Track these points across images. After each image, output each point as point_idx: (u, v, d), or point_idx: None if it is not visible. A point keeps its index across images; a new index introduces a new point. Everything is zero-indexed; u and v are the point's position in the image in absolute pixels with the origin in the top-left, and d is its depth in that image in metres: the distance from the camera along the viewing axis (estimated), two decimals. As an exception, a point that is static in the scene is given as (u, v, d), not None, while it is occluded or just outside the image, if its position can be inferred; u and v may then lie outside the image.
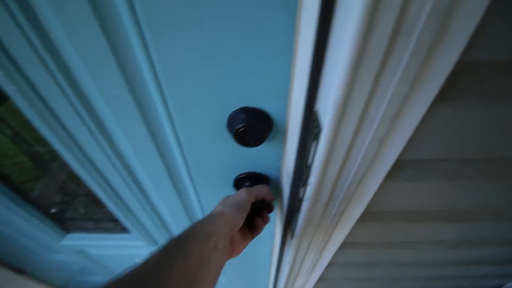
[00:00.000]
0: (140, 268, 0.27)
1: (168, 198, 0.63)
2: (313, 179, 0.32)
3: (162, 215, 0.73)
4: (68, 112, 0.43)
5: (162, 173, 0.55)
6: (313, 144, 0.29)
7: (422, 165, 0.34)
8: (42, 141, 0.77)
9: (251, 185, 0.55)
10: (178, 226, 0.76)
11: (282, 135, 0.45)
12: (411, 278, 0.74)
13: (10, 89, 0.40)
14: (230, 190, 0.59)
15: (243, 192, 0.46)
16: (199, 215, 0.70)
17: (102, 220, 0.87)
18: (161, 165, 0.52)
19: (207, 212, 0.69)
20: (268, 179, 0.56)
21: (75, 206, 0.85)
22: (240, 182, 0.56)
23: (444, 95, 0.25)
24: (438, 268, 0.68)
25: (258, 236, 0.70)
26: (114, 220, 0.85)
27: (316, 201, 0.36)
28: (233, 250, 0.42)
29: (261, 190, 0.49)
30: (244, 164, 0.52)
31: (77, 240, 0.92)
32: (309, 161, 0.32)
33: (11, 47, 0.35)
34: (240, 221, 0.42)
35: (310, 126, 0.29)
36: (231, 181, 0.57)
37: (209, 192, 0.60)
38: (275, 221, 0.73)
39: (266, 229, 0.78)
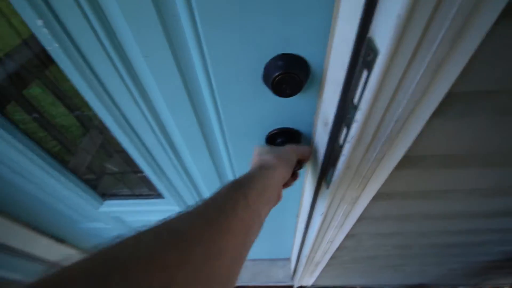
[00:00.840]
0: (205, 207, 0.27)
1: (200, 157, 0.65)
2: (359, 115, 0.32)
3: (193, 177, 0.76)
4: (106, 65, 0.44)
5: (195, 128, 0.56)
6: (363, 75, 0.29)
7: (472, 98, 0.33)
8: (65, 126, 0.80)
9: (283, 143, 0.56)
10: (209, 188, 0.79)
11: (318, 83, 0.45)
12: (439, 232, 0.75)
13: (53, 48, 0.41)
14: (262, 148, 0.60)
15: (291, 149, 0.48)
16: (230, 176, 0.72)
17: (136, 186, 0.92)
18: (194, 120, 0.53)
19: (238, 174, 0.71)
20: (301, 134, 0.56)
21: (110, 173, 0.89)
22: (272, 139, 0.57)
23: (508, 11, 0.24)
24: (469, 221, 0.68)
25: (285, 199, 0.72)
26: (148, 186, 0.90)
27: (358, 142, 0.36)
28: (277, 200, 0.45)
29: (305, 151, 0.50)
30: (277, 118, 0.52)
31: (113, 207, 0.98)
32: (356, 97, 0.32)
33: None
34: (288, 176, 0.44)
35: (361, 56, 0.28)
36: (263, 138, 0.58)
37: (240, 150, 0.62)
38: (304, 180, 0.74)
39: (293, 190, 0.80)
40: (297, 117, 0.52)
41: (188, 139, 0.60)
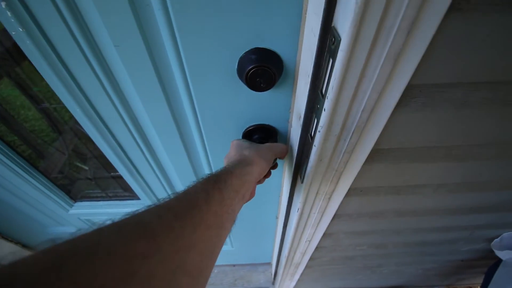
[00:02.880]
0: (177, 201, 0.26)
1: (177, 156, 0.64)
2: (327, 104, 0.32)
3: (170, 177, 0.74)
4: (75, 53, 0.42)
5: (171, 127, 0.55)
6: (329, 65, 0.30)
7: (432, 91, 0.35)
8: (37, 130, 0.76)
9: (260, 139, 0.56)
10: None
11: (292, 78, 0.45)
12: (412, 230, 0.78)
13: (18, 33, 0.39)
14: (239, 144, 0.60)
15: (269, 147, 0.49)
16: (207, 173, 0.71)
17: (110, 186, 0.88)
18: (169, 114, 0.52)
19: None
20: (277, 131, 0.57)
21: (82, 173, 0.86)
22: (248, 135, 0.57)
23: (458, 4, 0.26)
24: (438, 218, 0.71)
25: (264, 200, 0.70)
26: (123, 186, 0.87)
27: (328, 132, 0.37)
28: (250, 197, 0.45)
29: (282, 149, 0.51)
30: (254, 114, 0.53)
31: (85, 209, 0.93)
32: (323, 86, 0.33)
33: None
34: (264, 173, 0.44)
35: (327, 45, 0.29)
36: (240, 135, 0.58)
37: (217, 147, 0.61)
38: (282, 180, 0.75)
39: (272, 191, 0.80)
40: (274, 113, 0.53)
41: (163, 135, 0.58)
